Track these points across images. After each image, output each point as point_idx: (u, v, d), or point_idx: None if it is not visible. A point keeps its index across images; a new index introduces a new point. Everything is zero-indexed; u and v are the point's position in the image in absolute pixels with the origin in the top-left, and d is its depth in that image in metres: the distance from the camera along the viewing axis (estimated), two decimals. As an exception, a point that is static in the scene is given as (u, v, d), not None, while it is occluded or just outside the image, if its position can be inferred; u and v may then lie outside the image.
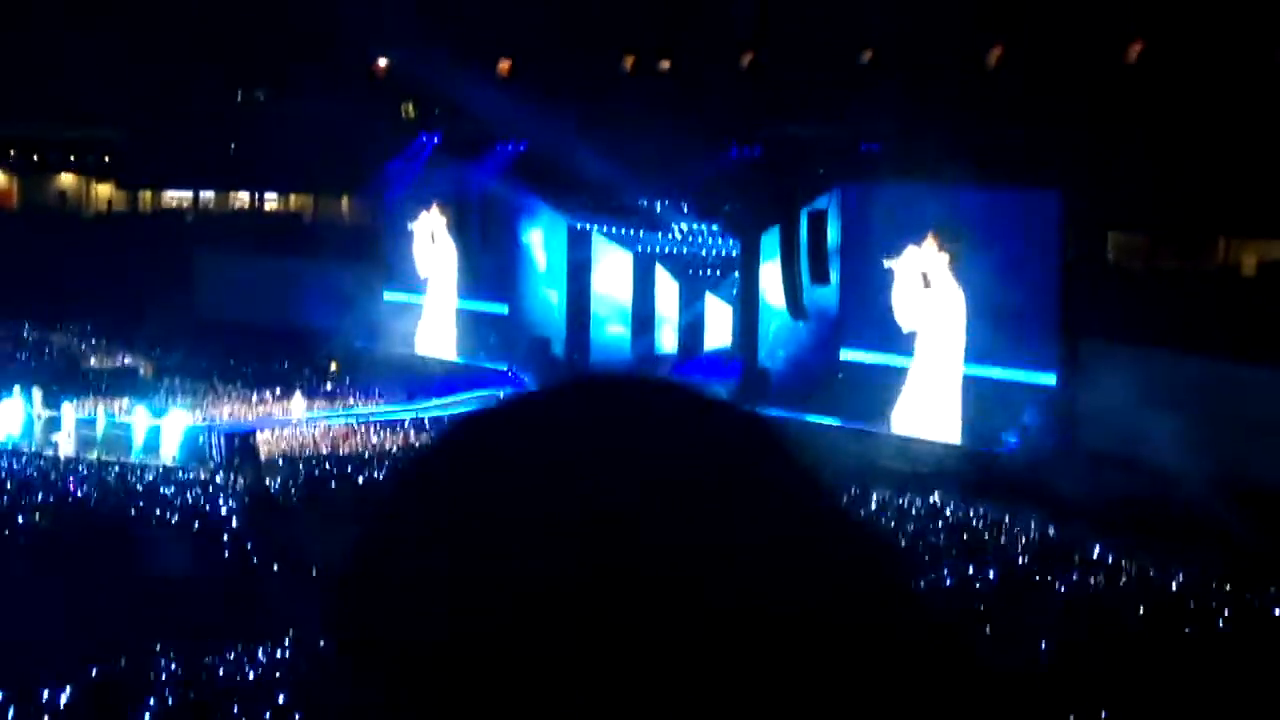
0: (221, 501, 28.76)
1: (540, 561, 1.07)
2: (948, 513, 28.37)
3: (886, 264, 34.20)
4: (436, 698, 1.08)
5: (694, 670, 1.04)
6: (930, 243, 33.69)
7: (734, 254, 37.95)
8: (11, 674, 17.87)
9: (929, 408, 33.76)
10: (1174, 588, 23.57)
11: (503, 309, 42.08)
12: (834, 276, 35.48)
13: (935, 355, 33.89)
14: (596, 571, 1.06)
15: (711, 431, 1.18)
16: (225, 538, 26.15)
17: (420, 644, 1.09)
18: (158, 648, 19.18)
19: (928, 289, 33.87)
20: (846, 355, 35.31)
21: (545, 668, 1.05)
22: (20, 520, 27.07)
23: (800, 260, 35.63)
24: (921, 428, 33.55)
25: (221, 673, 19.04)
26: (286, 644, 19.83)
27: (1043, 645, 20.04)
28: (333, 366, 40.38)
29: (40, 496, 28.73)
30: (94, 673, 18.50)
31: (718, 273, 39.20)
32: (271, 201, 51.30)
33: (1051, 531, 26.85)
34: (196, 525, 27.00)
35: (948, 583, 23.08)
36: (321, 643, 18.52)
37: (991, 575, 24.25)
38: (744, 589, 1.07)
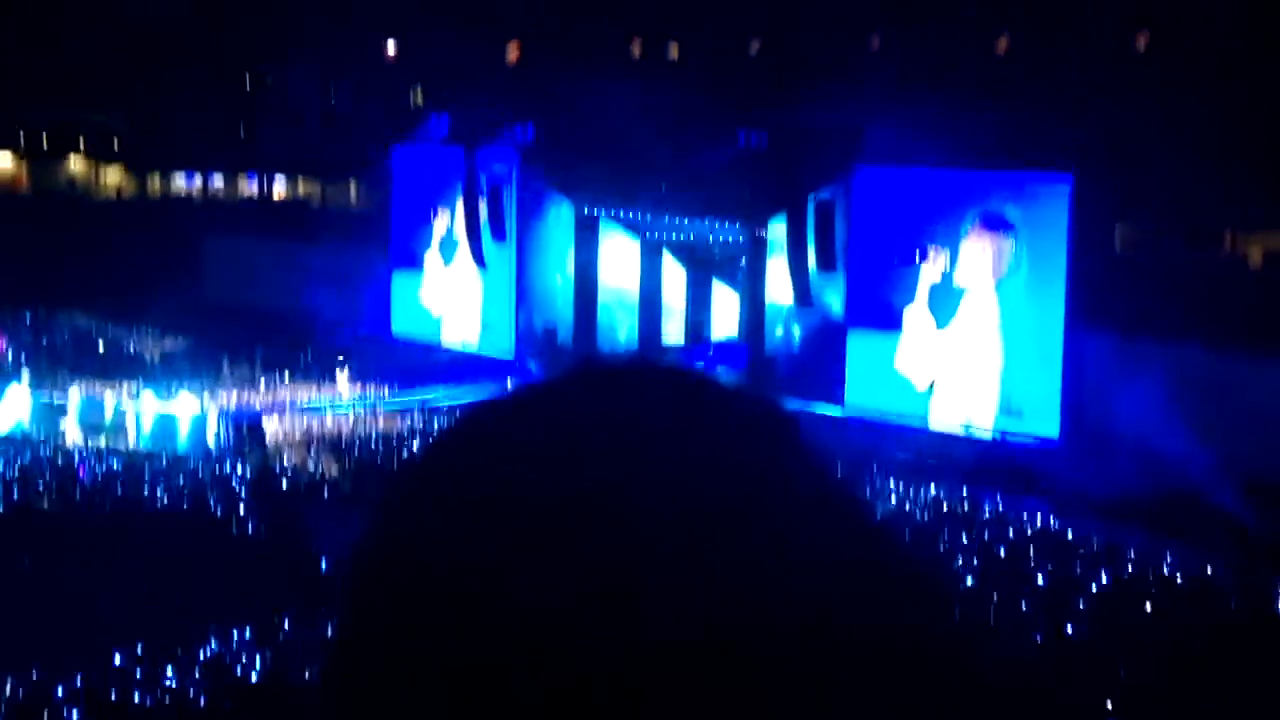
0: (227, 488, 28.80)
1: (550, 554, 1.06)
2: (956, 503, 28.36)
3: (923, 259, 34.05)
4: (437, 697, 1.07)
5: (705, 673, 1.03)
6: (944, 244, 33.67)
7: (741, 241, 37.92)
8: (16, 663, 17.90)
9: (946, 398, 33.74)
10: (1179, 579, 23.57)
11: (509, 298, 42.06)
12: (840, 265, 35.46)
13: (955, 347, 33.85)
14: (608, 569, 1.05)
15: (727, 420, 1.17)
16: (230, 524, 26.22)
17: (424, 643, 1.08)
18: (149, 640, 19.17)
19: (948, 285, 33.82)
20: (854, 343, 35.24)
21: (550, 668, 1.04)
22: (26, 506, 27.17)
23: (808, 248, 35.61)
24: (935, 417, 33.56)
25: (224, 659, 19.08)
26: (284, 630, 19.87)
27: (1039, 638, 20.08)
28: (339, 356, 40.36)
29: (46, 482, 28.77)
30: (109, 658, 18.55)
31: (725, 261, 39.19)
32: (280, 188, 51.30)
33: (1055, 523, 26.85)
34: (201, 511, 27.06)
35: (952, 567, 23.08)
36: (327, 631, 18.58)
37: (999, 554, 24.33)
38: (761, 587, 1.06)
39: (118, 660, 18.66)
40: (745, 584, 1.04)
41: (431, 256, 44.22)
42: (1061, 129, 31.69)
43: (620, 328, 40.57)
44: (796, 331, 36.91)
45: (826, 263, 35.52)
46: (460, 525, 1.09)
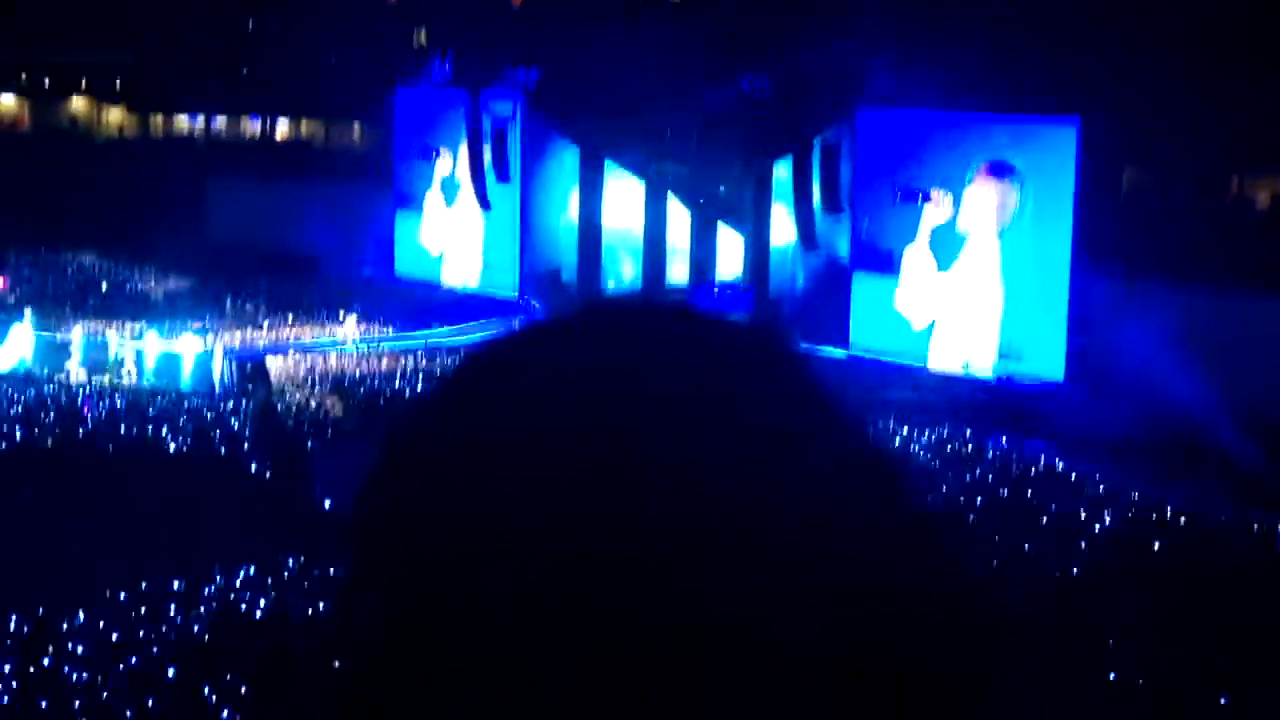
0: (231, 426, 28.88)
1: (557, 492, 1.05)
2: (959, 444, 28.41)
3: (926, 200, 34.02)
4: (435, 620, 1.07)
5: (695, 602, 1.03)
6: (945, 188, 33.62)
7: (746, 183, 37.86)
8: (20, 600, 17.99)
9: (945, 340, 33.77)
10: (1182, 520, 23.64)
11: (513, 238, 42.04)
12: (842, 211, 35.44)
13: (955, 289, 33.86)
14: (614, 506, 1.05)
15: (731, 352, 1.16)
16: (233, 463, 26.29)
17: (433, 581, 1.08)
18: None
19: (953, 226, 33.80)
20: (859, 285, 35.22)
21: (558, 606, 1.04)
22: (29, 444, 27.24)
23: (813, 190, 35.59)
24: (936, 359, 33.60)
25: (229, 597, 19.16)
26: (288, 568, 19.94)
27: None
28: (344, 294, 40.36)
29: (49, 420, 28.83)
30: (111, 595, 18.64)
31: (729, 203, 39.13)
32: (283, 128, 51.19)
33: (1060, 464, 26.90)
34: (204, 450, 27.14)
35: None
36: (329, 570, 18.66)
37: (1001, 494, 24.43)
38: (760, 515, 1.06)
39: (122, 598, 18.74)
40: (744, 510, 1.04)
41: (434, 197, 44.19)
42: (1068, 72, 31.57)
43: (624, 269, 40.59)
44: (801, 273, 36.93)
45: (831, 205, 35.50)
46: (467, 464, 1.08)
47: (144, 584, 19.06)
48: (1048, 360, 31.94)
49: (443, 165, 43.83)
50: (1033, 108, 32.03)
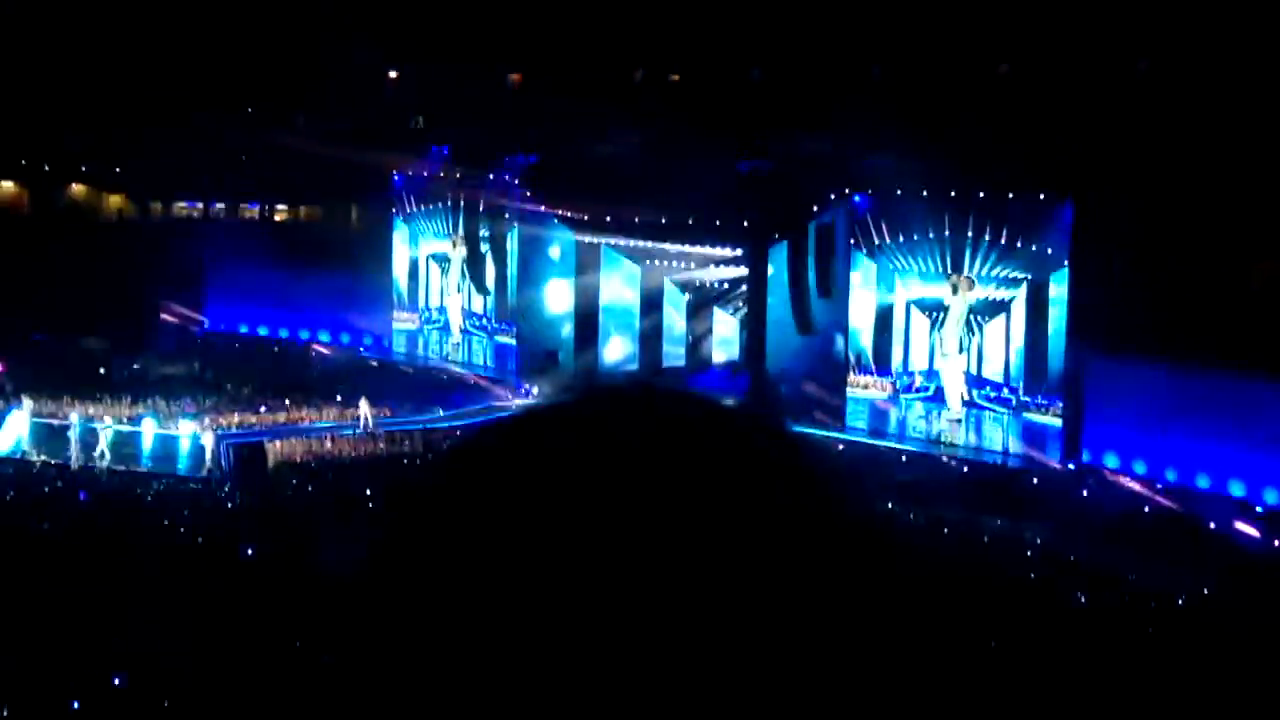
0: (228, 511, 28.78)
1: (556, 569, 1.07)
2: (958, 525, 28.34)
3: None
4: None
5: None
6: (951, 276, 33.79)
7: (742, 267, 37.97)
8: (13, 687, 17.86)
9: (942, 422, 33.81)
10: (1180, 602, 23.55)
11: (511, 321, 42.08)
12: (841, 291, 35.51)
13: (949, 372, 33.92)
14: (611, 579, 1.06)
15: (738, 439, 1.18)
16: (230, 548, 26.16)
17: (429, 646, 1.10)
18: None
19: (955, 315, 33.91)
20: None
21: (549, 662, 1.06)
22: (25, 528, 27.11)
23: (808, 274, 35.68)
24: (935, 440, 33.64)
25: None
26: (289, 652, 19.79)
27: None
28: (340, 378, 40.31)
29: (47, 505, 28.73)
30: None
31: (725, 287, 39.22)
32: (281, 212, 51.25)
33: (1052, 543, 26.83)
34: (201, 534, 27.01)
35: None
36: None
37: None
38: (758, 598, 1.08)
39: (116, 683, 18.60)
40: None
41: (433, 281, 44.24)
42: (1061, 154, 31.74)
43: (621, 352, 40.58)
44: (797, 356, 36.93)
45: (826, 289, 35.62)
46: (467, 538, 1.10)
47: (140, 670, 18.92)
48: (1049, 442, 31.98)
49: (441, 249, 43.92)
50: (1026, 189, 32.21)
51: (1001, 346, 33.01)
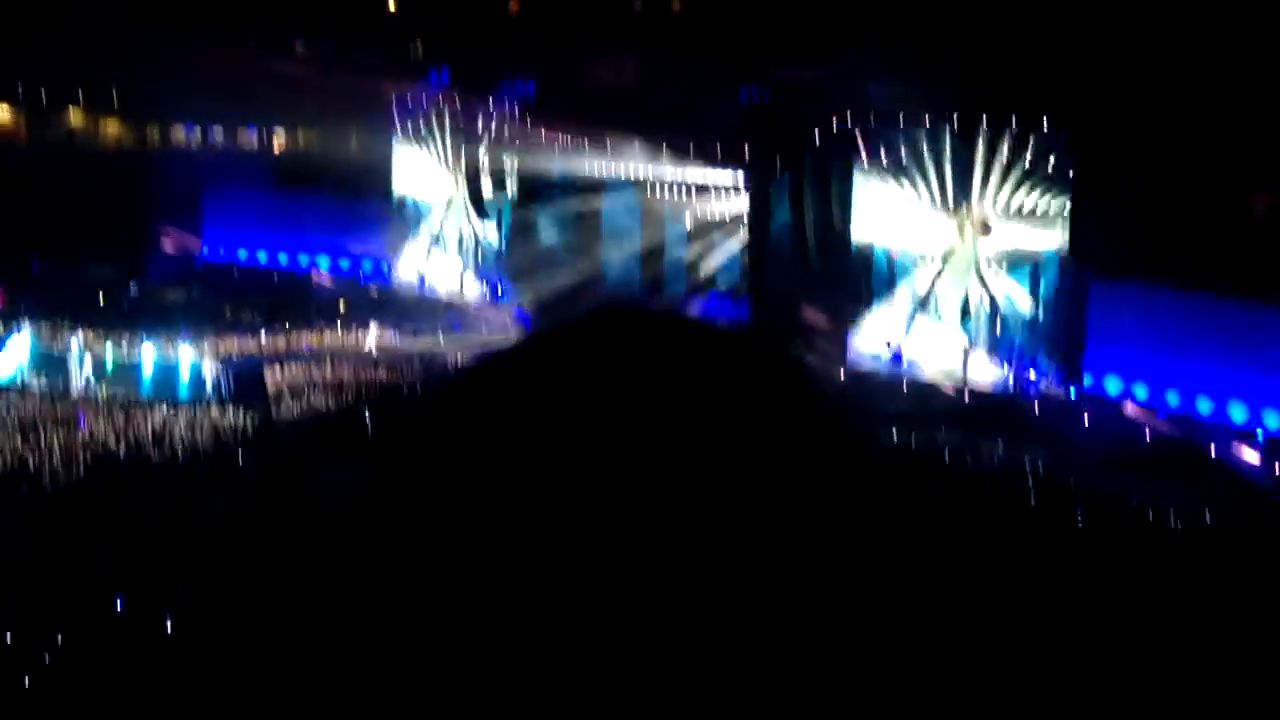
0: (228, 436, 28.89)
1: (560, 496, 1.05)
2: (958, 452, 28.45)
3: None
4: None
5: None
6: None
7: (744, 195, 37.98)
8: (14, 611, 17.97)
9: (944, 348, 33.88)
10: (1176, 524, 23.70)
11: (509, 246, 42.12)
12: (843, 219, 35.51)
13: (952, 301, 33.94)
14: (611, 498, 1.04)
15: (736, 364, 1.16)
16: (231, 472, 26.30)
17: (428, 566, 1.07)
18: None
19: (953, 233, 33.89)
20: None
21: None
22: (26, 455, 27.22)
23: (810, 204, 35.70)
24: (934, 367, 33.71)
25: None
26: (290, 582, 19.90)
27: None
28: (340, 305, 40.42)
29: (47, 431, 28.84)
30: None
31: (727, 213, 39.22)
32: (280, 139, 51.21)
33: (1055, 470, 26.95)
34: (201, 459, 27.14)
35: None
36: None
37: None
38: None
39: (119, 607, 18.73)
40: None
41: (432, 206, 44.25)
42: (1061, 81, 31.68)
43: (623, 276, 40.62)
44: (799, 283, 36.98)
45: (827, 217, 35.65)
46: (471, 464, 1.08)
47: (141, 593, 19.04)
48: (1047, 367, 32.06)
49: (440, 174, 43.89)
50: (1025, 118, 32.23)
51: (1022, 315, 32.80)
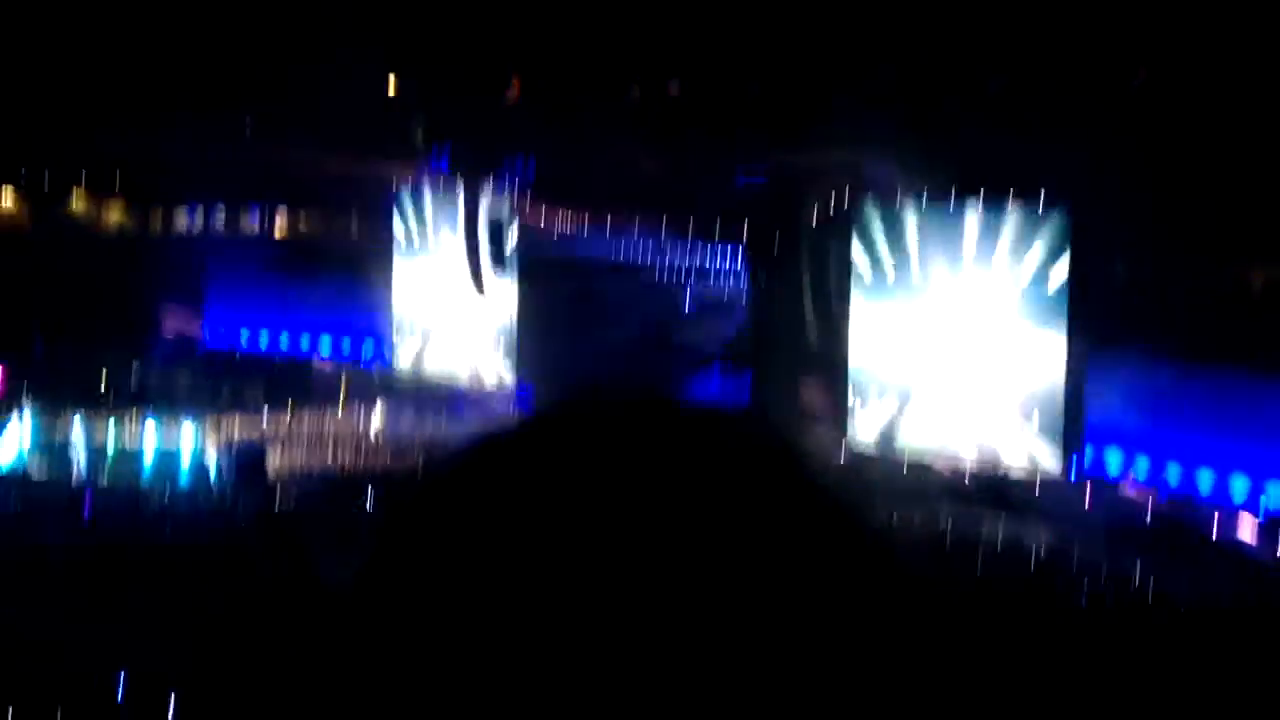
0: (230, 521, 28.76)
1: (555, 577, 1.08)
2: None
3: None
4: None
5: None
6: (942, 269, 33.71)
7: (742, 277, 37.97)
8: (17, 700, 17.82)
9: (942, 432, 33.74)
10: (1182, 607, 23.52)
11: (511, 328, 42.03)
12: (839, 302, 35.48)
13: (949, 381, 33.84)
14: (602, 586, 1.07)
15: (736, 450, 1.18)
16: (235, 558, 26.14)
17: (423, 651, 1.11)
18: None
19: (941, 318, 33.83)
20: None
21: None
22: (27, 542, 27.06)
23: (807, 285, 35.68)
24: (934, 450, 33.54)
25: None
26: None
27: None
28: (340, 389, 40.31)
29: (48, 517, 28.70)
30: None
31: (725, 297, 39.19)
32: (280, 225, 51.20)
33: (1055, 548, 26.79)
34: (204, 544, 26.99)
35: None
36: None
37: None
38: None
39: (120, 690, 18.58)
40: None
41: (432, 289, 44.17)
42: (1058, 162, 31.72)
43: (624, 357, 40.49)
44: (799, 365, 36.88)
45: (823, 300, 35.64)
46: (462, 550, 1.11)
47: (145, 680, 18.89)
48: (1049, 450, 31.93)
49: (441, 257, 43.86)
50: (1022, 197, 32.24)
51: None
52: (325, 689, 1.20)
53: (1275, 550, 26.52)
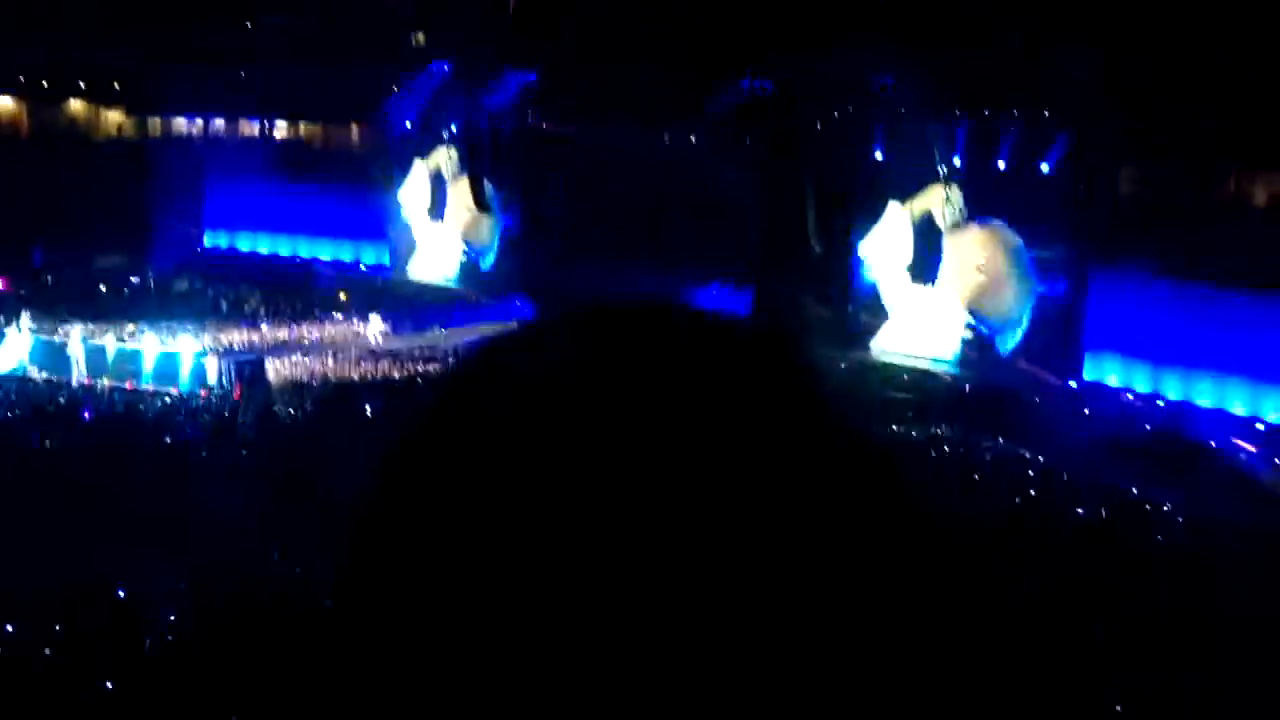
0: (230, 426, 28.89)
1: (560, 487, 1.07)
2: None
3: (898, 207, 34.23)
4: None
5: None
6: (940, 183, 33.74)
7: (745, 185, 37.93)
8: (18, 604, 17.95)
9: (934, 335, 33.87)
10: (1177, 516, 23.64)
11: (511, 237, 42.07)
12: (843, 211, 35.53)
13: (946, 286, 33.93)
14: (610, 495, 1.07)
15: (737, 356, 1.18)
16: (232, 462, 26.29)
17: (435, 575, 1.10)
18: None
19: (940, 227, 33.89)
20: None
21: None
22: (28, 446, 27.21)
23: (811, 194, 35.67)
24: (924, 352, 33.73)
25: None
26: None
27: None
28: (341, 296, 40.36)
29: (48, 422, 28.82)
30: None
31: (729, 202, 39.14)
32: (281, 130, 51.13)
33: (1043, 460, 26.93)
34: (205, 451, 27.12)
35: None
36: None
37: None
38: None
39: (121, 596, 18.72)
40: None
41: (433, 197, 44.18)
42: (1062, 73, 31.63)
43: (623, 265, 40.54)
44: (806, 273, 36.99)
45: (828, 209, 35.64)
46: (468, 460, 1.10)
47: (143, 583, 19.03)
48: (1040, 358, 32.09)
49: (441, 166, 43.84)
50: (1026, 111, 32.21)
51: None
52: (324, 597, 1.19)
53: (1273, 461, 26.64)
